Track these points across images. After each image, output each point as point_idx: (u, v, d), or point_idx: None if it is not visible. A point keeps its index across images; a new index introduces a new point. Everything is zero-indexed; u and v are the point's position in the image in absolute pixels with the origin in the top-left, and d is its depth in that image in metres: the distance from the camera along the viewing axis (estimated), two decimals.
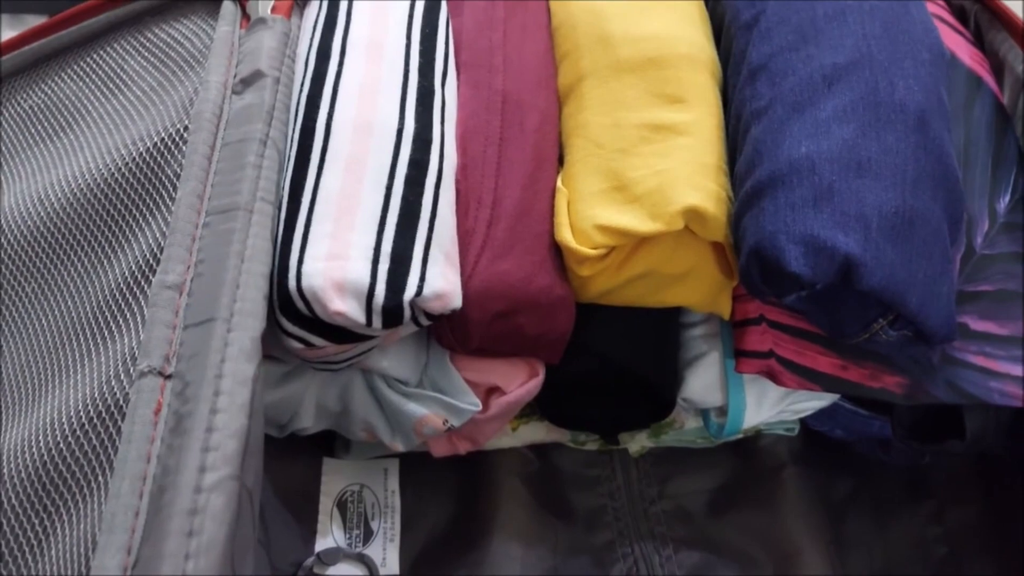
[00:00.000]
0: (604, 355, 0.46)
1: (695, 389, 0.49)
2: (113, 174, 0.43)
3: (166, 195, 0.40)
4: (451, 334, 0.43)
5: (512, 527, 0.51)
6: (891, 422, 0.51)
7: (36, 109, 0.50)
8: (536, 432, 0.54)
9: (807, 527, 0.53)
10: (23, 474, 0.35)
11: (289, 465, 0.50)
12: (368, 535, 0.50)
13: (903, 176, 0.40)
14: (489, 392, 0.46)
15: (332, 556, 0.48)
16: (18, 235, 0.44)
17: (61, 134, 0.48)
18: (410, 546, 0.51)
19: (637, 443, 0.55)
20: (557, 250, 0.44)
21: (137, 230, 0.40)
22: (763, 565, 0.52)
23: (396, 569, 0.50)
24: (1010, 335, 0.45)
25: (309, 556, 0.48)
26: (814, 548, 0.52)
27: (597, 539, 0.53)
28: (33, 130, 0.49)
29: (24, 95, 0.50)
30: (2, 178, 0.47)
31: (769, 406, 0.49)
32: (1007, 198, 0.48)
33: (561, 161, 0.47)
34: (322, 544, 0.49)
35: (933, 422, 0.50)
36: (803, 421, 0.54)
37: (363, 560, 0.49)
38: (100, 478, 0.32)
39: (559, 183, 0.45)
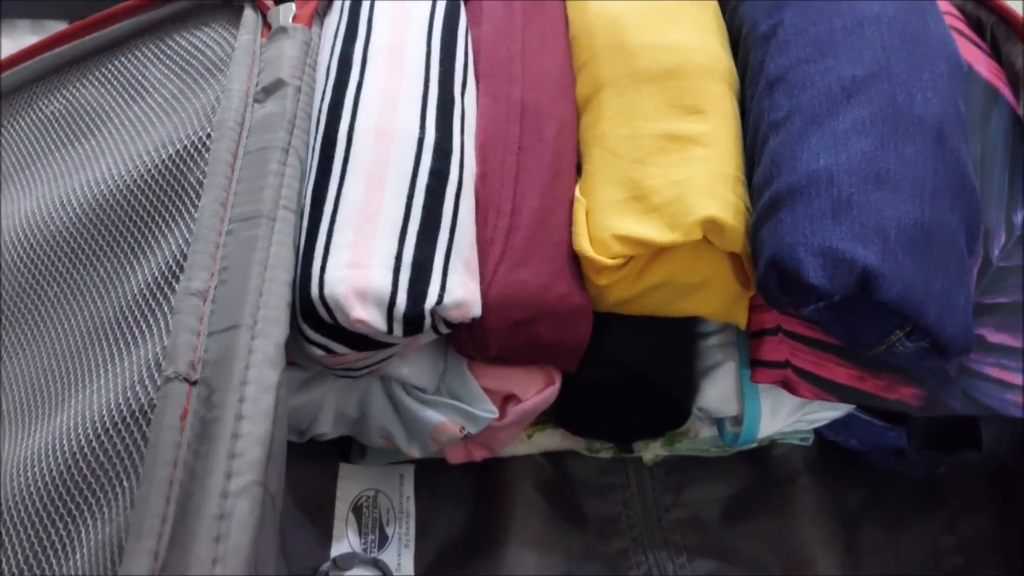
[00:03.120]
0: (621, 364, 0.47)
1: (711, 398, 0.49)
2: (136, 180, 0.43)
3: (188, 202, 0.40)
4: (470, 342, 0.43)
5: (526, 534, 0.52)
6: (907, 433, 0.51)
7: (58, 114, 0.50)
8: (551, 440, 0.54)
9: (821, 536, 0.53)
10: (47, 478, 0.35)
11: (305, 470, 0.51)
12: (383, 540, 0.51)
13: (921, 188, 0.40)
14: (506, 400, 0.47)
15: (347, 561, 0.49)
16: (40, 239, 0.44)
17: (83, 139, 0.48)
18: (425, 552, 0.51)
19: (651, 451, 0.55)
20: (575, 259, 0.44)
21: (160, 236, 0.40)
22: (776, 574, 0.52)
23: (411, 574, 0.50)
24: None
25: (325, 561, 0.48)
26: (827, 557, 0.52)
27: (611, 547, 0.54)
28: (55, 135, 0.49)
29: (46, 100, 0.51)
30: (25, 182, 0.48)
31: (784, 416, 0.49)
32: None
33: (579, 170, 0.47)
34: (337, 549, 0.49)
35: (949, 433, 0.50)
36: (817, 431, 0.54)
37: (378, 565, 0.49)
38: (125, 483, 0.33)
39: (577, 192, 0.46)
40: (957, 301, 0.41)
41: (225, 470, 0.30)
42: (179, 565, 0.29)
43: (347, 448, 0.53)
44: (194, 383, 0.33)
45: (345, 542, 0.50)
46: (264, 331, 0.34)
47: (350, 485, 0.52)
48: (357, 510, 0.51)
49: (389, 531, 0.51)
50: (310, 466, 0.51)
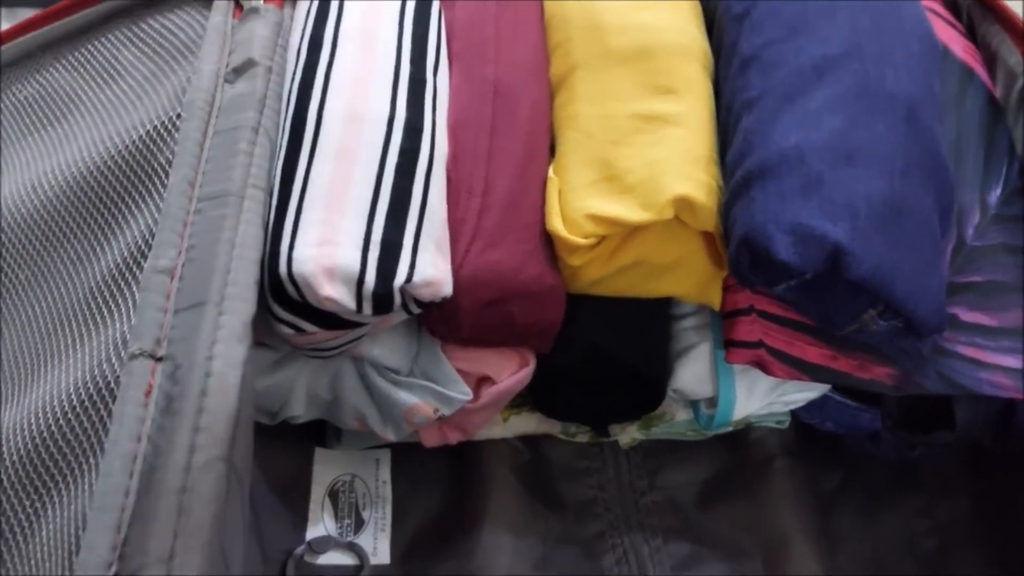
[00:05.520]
0: (595, 345, 0.47)
1: (686, 380, 0.49)
2: (107, 162, 0.43)
3: (158, 182, 0.40)
4: (442, 323, 0.43)
5: (503, 518, 0.52)
6: (881, 413, 0.51)
7: (31, 99, 0.50)
8: (527, 423, 0.54)
9: (797, 519, 0.53)
10: (16, 456, 0.35)
11: (281, 455, 0.50)
12: (359, 525, 0.51)
13: (892, 166, 0.40)
14: (480, 381, 0.46)
15: (323, 544, 0.49)
16: (12, 223, 0.44)
17: (56, 123, 0.48)
18: (401, 536, 0.51)
19: (628, 435, 0.55)
20: (548, 240, 0.44)
21: (130, 217, 0.40)
22: (752, 556, 0.52)
23: (387, 559, 0.50)
24: (999, 326, 0.45)
25: (300, 544, 0.48)
26: (803, 540, 0.52)
27: (587, 530, 0.54)
28: (28, 120, 0.49)
29: (19, 85, 0.51)
30: None
31: (759, 397, 0.49)
32: (998, 190, 0.48)
33: (553, 151, 0.47)
34: (313, 533, 0.49)
35: (922, 413, 0.50)
36: (794, 414, 0.55)
37: (354, 549, 0.49)
38: (92, 459, 0.32)
39: (550, 173, 0.46)
40: (929, 280, 0.41)
41: (189, 444, 0.30)
42: (141, 538, 0.28)
43: (323, 433, 0.53)
44: (159, 359, 0.33)
45: (321, 526, 0.50)
46: (231, 308, 0.34)
47: (326, 470, 0.52)
48: (333, 494, 0.51)
49: (365, 515, 0.51)
50: (286, 451, 0.51)
